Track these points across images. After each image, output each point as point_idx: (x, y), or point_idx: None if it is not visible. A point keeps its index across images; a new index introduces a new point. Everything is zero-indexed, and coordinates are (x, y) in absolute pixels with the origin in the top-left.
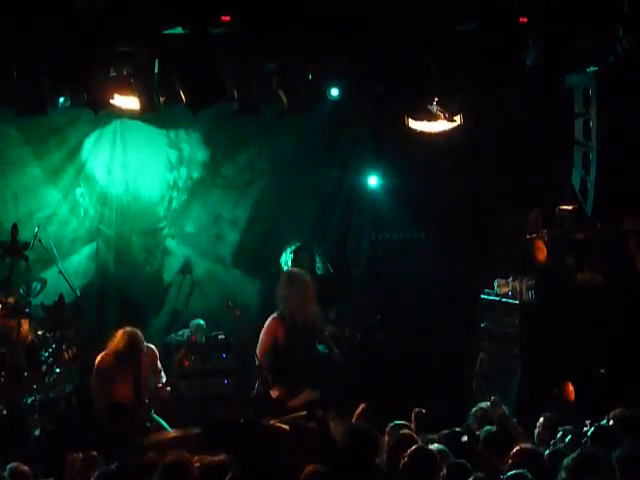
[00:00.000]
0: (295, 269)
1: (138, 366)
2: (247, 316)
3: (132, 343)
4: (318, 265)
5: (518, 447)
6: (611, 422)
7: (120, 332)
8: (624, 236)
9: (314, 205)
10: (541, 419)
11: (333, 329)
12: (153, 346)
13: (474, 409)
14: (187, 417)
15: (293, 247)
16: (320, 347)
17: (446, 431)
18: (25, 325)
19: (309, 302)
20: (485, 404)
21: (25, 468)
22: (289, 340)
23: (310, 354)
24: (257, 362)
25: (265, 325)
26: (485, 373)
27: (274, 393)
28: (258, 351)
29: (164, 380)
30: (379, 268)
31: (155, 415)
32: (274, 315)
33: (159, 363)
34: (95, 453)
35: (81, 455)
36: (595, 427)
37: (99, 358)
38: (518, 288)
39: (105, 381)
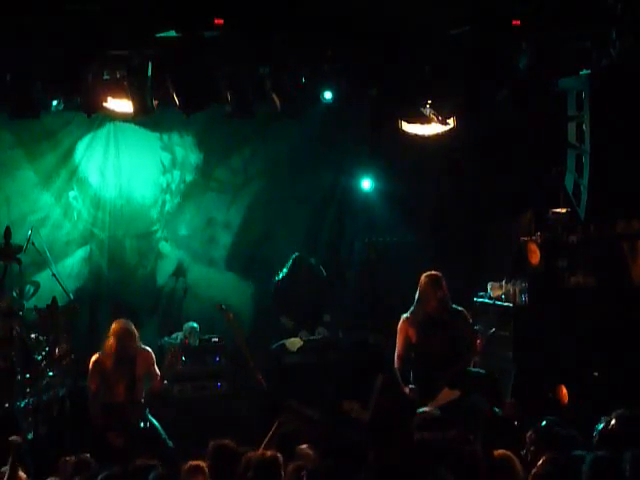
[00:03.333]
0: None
1: (133, 363)
2: (240, 319)
3: (124, 335)
4: (316, 270)
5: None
6: (613, 422)
7: (112, 326)
8: (617, 239)
9: (307, 208)
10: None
11: (326, 332)
12: (149, 349)
13: None
14: (181, 420)
15: (294, 258)
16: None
17: None
18: (18, 328)
19: (436, 298)
20: None
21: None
22: (423, 337)
23: (446, 351)
24: (396, 365)
25: (398, 327)
26: None
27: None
28: (396, 355)
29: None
30: (372, 271)
31: (150, 416)
32: (404, 315)
33: (155, 367)
34: (88, 456)
35: (74, 458)
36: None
37: (93, 359)
38: (511, 291)
39: (100, 382)
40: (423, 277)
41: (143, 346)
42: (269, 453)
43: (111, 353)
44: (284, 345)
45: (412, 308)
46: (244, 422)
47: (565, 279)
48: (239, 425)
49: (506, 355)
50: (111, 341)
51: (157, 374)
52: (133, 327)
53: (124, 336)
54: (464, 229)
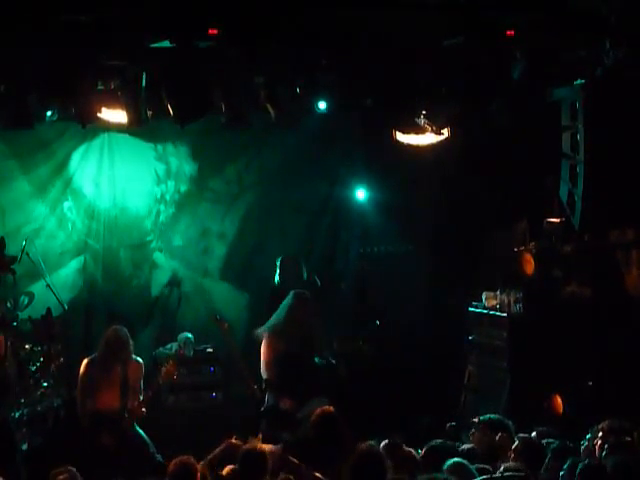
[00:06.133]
0: (299, 291)
1: (124, 372)
2: (235, 329)
3: (115, 342)
4: (305, 274)
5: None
6: (600, 433)
7: (106, 332)
8: (612, 249)
9: (302, 218)
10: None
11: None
12: (141, 361)
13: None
14: (175, 430)
15: (280, 258)
16: (316, 359)
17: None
18: (12, 339)
19: (306, 316)
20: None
21: None
22: (288, 351)
23: (311, 365)
24: (264, 376)
25: (264, 339)
26: (473, 386)
27: (283, 405)
28: (262, 365)
29: (141, 399)
30: (367, 281)
31: (139, 429)
32: (270, 329)
33: (141, 383)
34: (72, 469)
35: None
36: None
37: (84, 363)
38: (506, 301)
39: (89, 387)
40: (296, 298)
41: (135, 357)
42: (258, 446)
43: (102, 358)
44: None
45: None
46: (239, 432)
47: (560, 289)
48: (234, 435)
49: (501, 365)
50: (103, 347)
51: (140, 389)
52: (127, 334)
53: (116, 343)
54: (458, 238)
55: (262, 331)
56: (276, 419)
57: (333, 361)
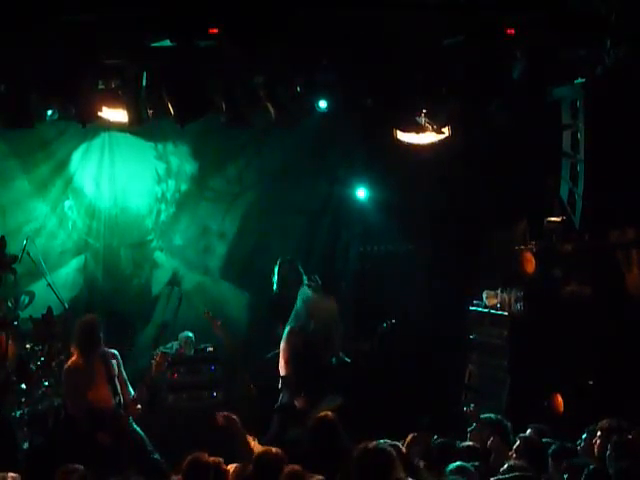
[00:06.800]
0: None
1: (107, 364)
2: (235, 328)
3: (86, 325)
4: (304, 277)
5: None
6: (598, 433)
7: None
8: (612, 248)
9: (302, 217)
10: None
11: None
12: (115, 351)
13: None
14: (175, 429)
15: (279, 261)
16: (332, 359)
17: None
18: (13, 338)
19: (330, 314)
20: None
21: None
22: (307, 350)
23: (328, 364)
24: (282, 373)
25: (284, 336)
26: (474, 385)
27: (298, 403)
28: (280, 362)
29: (132, 393)
30: (367, 281)
31: (136, 426)
32: (292, 326)
33: (124, 373)
34: (80, 466)
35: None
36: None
37: (66, 367)
38: (507, 300)
39: (80, 387)
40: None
41: (108, 349)
42: (274, 450)
43: (78, 348)
44: (279, 354)
45: (301, 322)
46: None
47: (560, 288)
48: (234, 435)
49: (501, 364)
50: (77, 334)
51: (125, 380)
52: (97, 320)
53: (87, 326)
54: (459, 238)
55: (287, 326)
56: (289, 417)
57: (348, 360)
